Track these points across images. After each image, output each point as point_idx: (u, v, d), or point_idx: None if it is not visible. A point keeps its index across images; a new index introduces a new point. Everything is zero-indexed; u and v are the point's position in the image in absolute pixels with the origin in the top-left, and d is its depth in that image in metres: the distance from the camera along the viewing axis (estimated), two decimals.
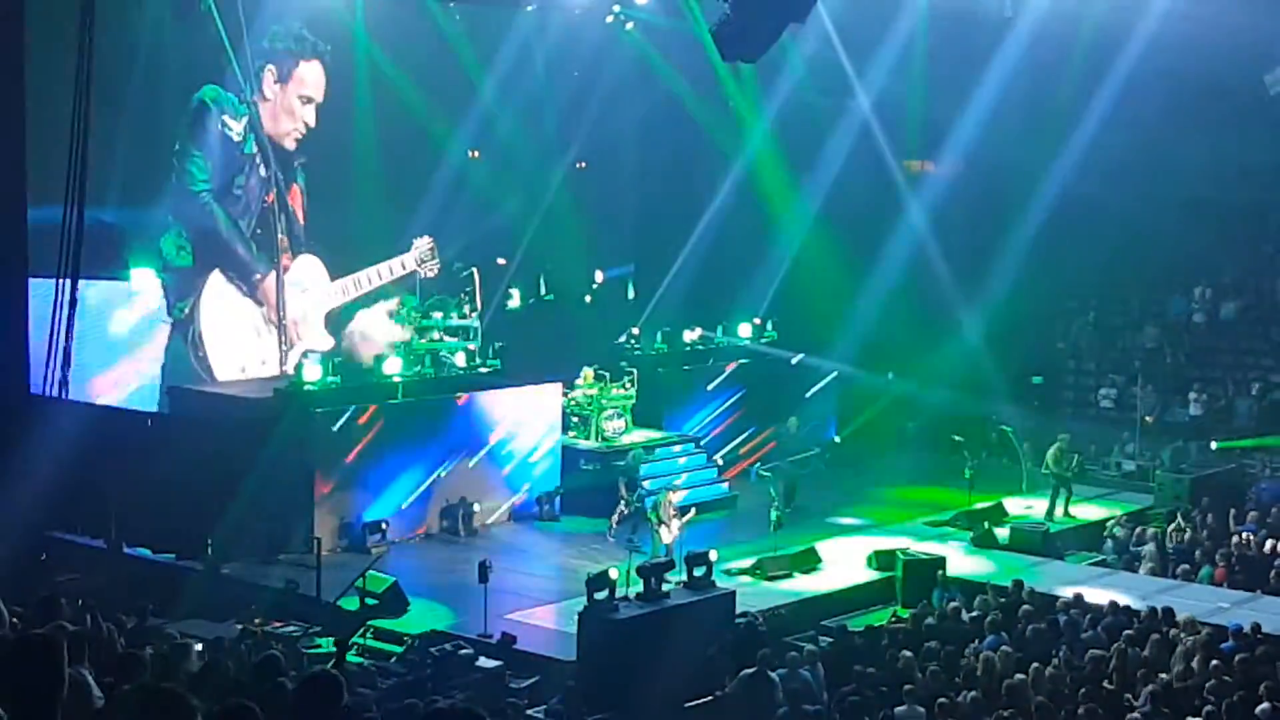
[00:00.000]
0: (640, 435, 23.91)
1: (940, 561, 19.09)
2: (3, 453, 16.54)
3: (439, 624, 16.96)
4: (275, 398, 20.28)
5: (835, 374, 26.57)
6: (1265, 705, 12.57)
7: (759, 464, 24.24)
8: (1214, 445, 25.22)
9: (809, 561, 19.64)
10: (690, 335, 26.27)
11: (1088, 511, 23.17)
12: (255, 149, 23.23)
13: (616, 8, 26.65)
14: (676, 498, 19.50)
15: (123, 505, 18.92)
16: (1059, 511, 22.76)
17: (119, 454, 18.83)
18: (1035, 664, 13.97)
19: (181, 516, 18.56)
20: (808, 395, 26.52)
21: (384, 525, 20.46)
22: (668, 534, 18.97)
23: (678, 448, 24.10)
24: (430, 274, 24.36)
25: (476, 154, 26.00)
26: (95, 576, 17.24)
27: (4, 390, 17.01)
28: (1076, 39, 27.11)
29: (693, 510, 19.86)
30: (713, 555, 16.85)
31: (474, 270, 23.75)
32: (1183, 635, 15.20)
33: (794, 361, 26.52)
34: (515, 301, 26.83)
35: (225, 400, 20.94)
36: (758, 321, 26.93)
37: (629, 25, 26.89)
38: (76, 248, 17.50)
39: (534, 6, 25.44)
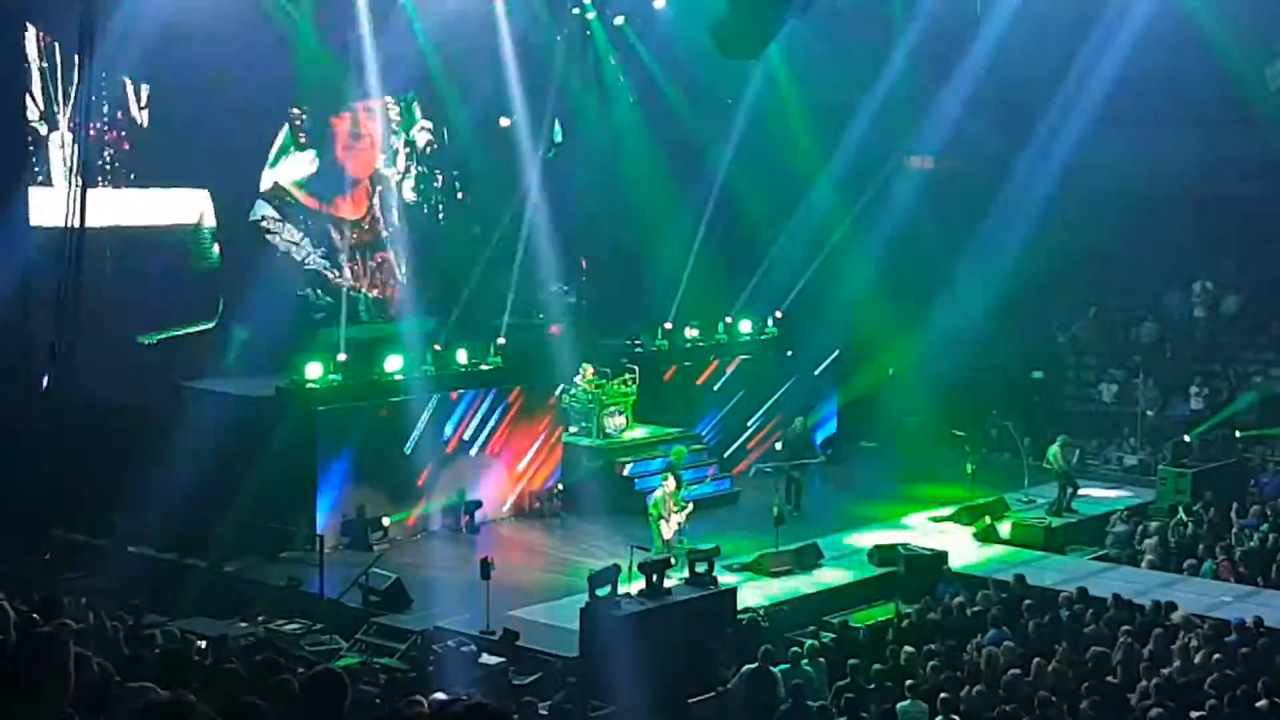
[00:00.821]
0: (641, 431, 23.91)
1: (942, 556, 19.10)
2: (7, 451, 16.58)
3: (441, 621, 16.97)
4: (278, 396, 20.30)
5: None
6: (1264, 700, 12.61)
7: (759, 460, 24.25)
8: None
9: (811, 557, 19.64)
10: (691, 332, 26.25)
11: (1090, 506, 23.18)
12: None
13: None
14: (670, 486, 19.41)
15: (126, 503, 18.94)
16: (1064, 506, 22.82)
17: (122, 452, 18.85)
18: (1038, 658, 14.01)
19: (184, 515, 18.57)
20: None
21: (386, 522, 20.48)
22: (668, 529, 18.95)
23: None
24: None
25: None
26: (99, 575, 17.27)
27: (7, 388, 17.05)
28: (1076, 31, 27.07)
29: (690, 505, 19.82)
30: (715, 551, 16.88)
31: None
32: (1182, 631, 15.23)
33: (788, 355, 26.53)
34: None
35: (228, 398, 20.94)
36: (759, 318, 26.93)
37: (618, 20, 26.86)
38: (79, 242, 17.62)
39: None
